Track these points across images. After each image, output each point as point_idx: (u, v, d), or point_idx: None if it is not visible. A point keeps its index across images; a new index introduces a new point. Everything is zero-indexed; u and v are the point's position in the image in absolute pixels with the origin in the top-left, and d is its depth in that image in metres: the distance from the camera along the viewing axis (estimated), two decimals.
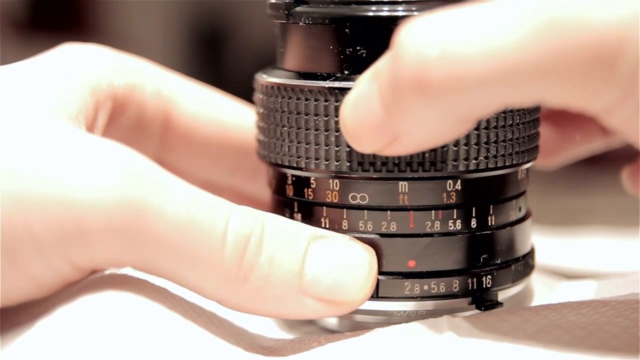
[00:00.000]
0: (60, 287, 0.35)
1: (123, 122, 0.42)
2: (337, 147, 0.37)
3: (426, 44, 0.31)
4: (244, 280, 0.35)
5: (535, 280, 0.44)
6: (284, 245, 0.36)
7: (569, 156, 0.47)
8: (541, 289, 0.44)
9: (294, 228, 0.36)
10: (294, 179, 0.39)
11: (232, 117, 0.45)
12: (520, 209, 0.40)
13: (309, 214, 0.39)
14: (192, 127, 0.44)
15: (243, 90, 0.49)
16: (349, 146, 0.37)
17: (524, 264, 0.40)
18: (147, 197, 0.33)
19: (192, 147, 0.45)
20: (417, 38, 0.31)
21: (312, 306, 0.36)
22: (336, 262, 0.36)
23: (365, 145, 0.35)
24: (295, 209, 0.39)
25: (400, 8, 0.36)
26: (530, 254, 0.41)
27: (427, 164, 0.37)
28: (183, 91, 0.44)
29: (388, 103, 0.33)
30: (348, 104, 0.34)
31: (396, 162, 0.37)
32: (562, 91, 0.31)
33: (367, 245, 0.37)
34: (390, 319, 0.38)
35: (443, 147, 0.37)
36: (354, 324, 0.39)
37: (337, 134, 0.37)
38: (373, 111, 0.34)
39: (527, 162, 0.39)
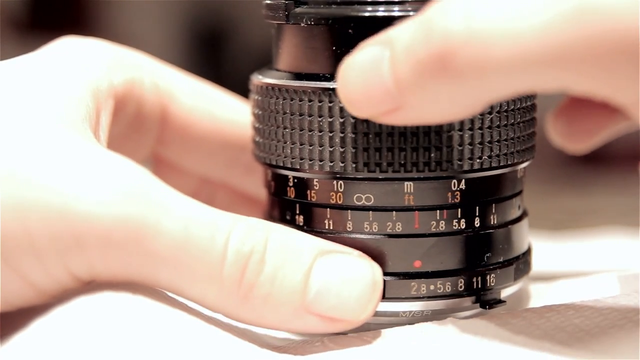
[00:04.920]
0: (60, 293, 0.34)
1: (122, 117, 0.42)
2: (342, 148, 0.37)
3: (455, 22, 0.30)
4: (245, 298, 0.35)
5: (533, 278, 0.44)
6: (287, 262, 0.35)
7: (601, 139, 0.46)
8: (539, 287, 0.44)
9: (299, 243, 0.36)
10: (295, 181, 0.39)
11: (228, 112, 0.45)
12: (519, 207, 0.40)
13: (312, 215, 0.39)
14: (188, 121, 0.44)
15: (242, 89, 0.49)
16: (354, 147, 0.37)
17: (524, 262, 0.40)
18: (145, 214, 0.33)
19: (188, 141, 0.45)
20: (447, 16, 0.30)
21: (314, 323, 0.35)
22: (340, 280, 0.35)
23: (363, 110, 0.34)
24: (297, 211, 0.39)
25: (396, 8, 0.36)
26: (529, 251, 0.41)
27: (432, 164, 0.37)
28: (180, 84, 0.44)
29: (401, 75, 0.32)
30: (351, 68, 0.33)
31: (402, 162, 0.37)
32: (585, 81, 0.30)
33: (373, 262, 0.37)
34: (395, 319, 0.38)
35: (448, 146, 0.37)
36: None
37: (341, 135, 0.37)
38: (380, 79, 0.32)
39: (527, 160, 0.40)
